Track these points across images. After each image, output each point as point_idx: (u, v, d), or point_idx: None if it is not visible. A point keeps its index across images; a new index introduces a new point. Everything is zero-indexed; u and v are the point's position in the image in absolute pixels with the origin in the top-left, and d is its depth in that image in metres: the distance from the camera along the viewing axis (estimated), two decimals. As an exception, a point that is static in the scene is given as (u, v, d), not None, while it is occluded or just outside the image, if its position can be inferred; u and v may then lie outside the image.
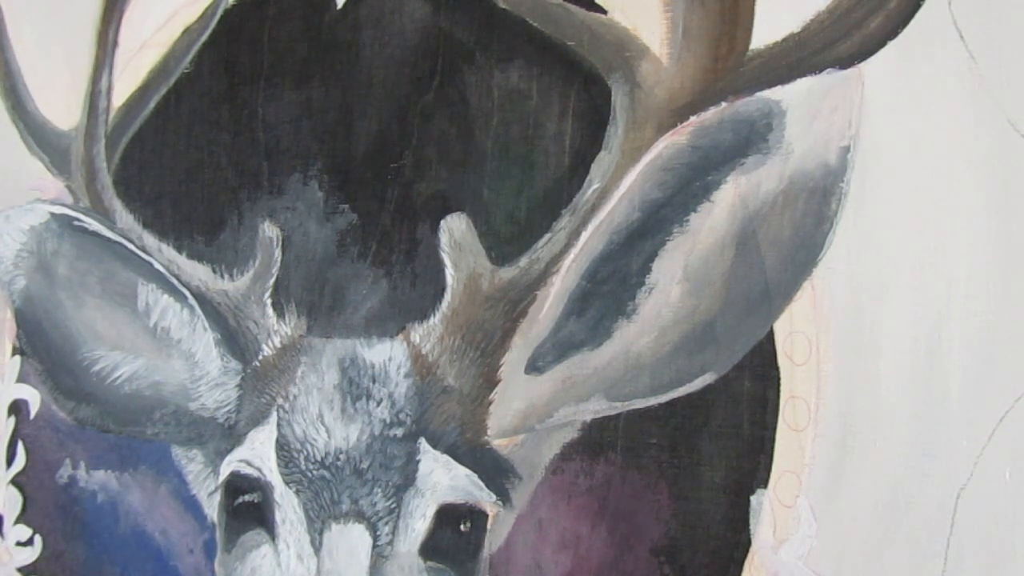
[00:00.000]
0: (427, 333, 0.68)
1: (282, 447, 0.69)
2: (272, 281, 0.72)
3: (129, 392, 0.76)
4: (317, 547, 0.68)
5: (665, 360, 0.62)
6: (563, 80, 0.64)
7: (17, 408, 0.84)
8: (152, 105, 0.75)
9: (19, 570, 0.82)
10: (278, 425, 0.69)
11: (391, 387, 0.68)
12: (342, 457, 0.68)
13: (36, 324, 0.78)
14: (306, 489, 0.68)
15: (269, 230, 0.72)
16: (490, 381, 0.66)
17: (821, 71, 0.58)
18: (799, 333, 0.60)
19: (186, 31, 0.74)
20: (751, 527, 0.62)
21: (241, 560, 0.72)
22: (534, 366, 0.65)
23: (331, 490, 0.68)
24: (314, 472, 0.68)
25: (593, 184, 0.63)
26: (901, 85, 0.57)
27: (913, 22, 0.57)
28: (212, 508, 0.75)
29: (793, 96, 0.59)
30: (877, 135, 0.58)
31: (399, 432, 0.67)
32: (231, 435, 0.73)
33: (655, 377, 0.63)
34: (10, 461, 0.83)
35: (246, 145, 0.72)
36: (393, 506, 0.67)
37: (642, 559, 0.65)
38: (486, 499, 0.67)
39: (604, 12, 0.63)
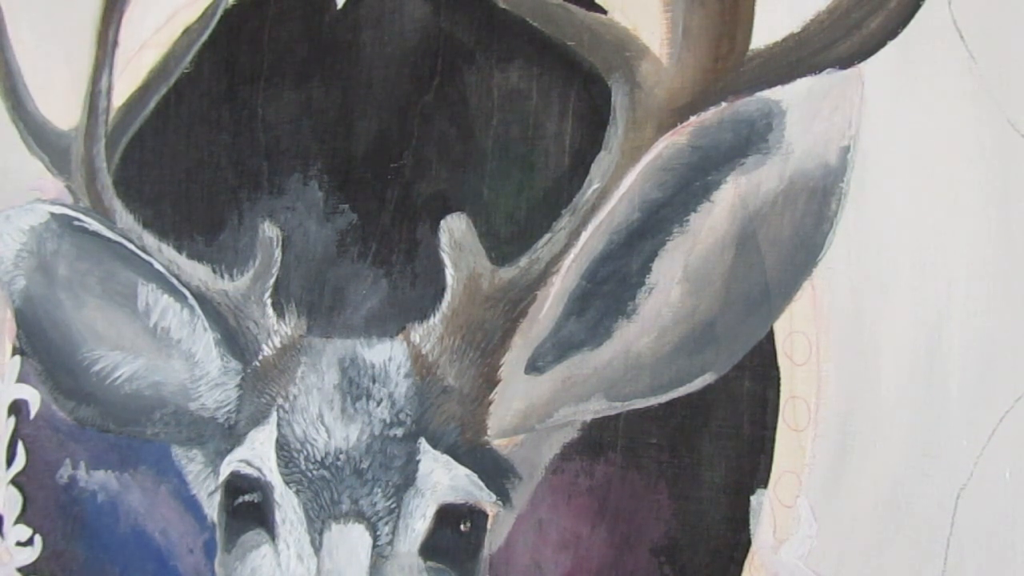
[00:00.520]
0: (427, 333, 0.68)
1: (282, 447, 0.69)
2: (272, 281, 0.72)
3: (129, 392, 0.76)
4: (317, 547, 0.68)
5: (665, 360, 0.62)
6: (563, 80, 0.64)
7: (17, 408, 0.84)
8: (152, 105, 0.75)
9: (19, 570, 0.82)
10: (278, 425, 0.69)
11: (391, 387, 0.68)
12: (342, 457, 0.68)
13: (36, 324, 0.78)
14: (306, 489, 0.68)
15: (269, 230, 0.72)
16: (490, 381, 0.66)
17: (821, 71, 0.58)
18: (799, 333, 0.60)
19: (186, 31, 0.74)
20: (751, 527, 0.62)
21: (241, 560, 0.72)
22: (534, 366, 0.65)
23: (331, 490, 0.68)
24: (314, 472, 0.68)
25: (593, 184, 0.63)
26: (901, 85, 0.57)
27: (913, 22, 0.57)
28: (212, 508, 0.75)
29: (793, 96, 0.59)
30: (877, 135, 0.58)
31: (399, 432, 0.67)
32: (231, 435, 0.73)
33: (655, 377, 0.63)
34: (10, 461, 0.84)
35: (246, 145, 0.72)
36: (393, 506, 0.67)
37: (642, 559, 0.65)
38: (486, 499, 0.67)
39: (604, 12, 0.63)
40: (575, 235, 0.64)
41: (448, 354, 0.67)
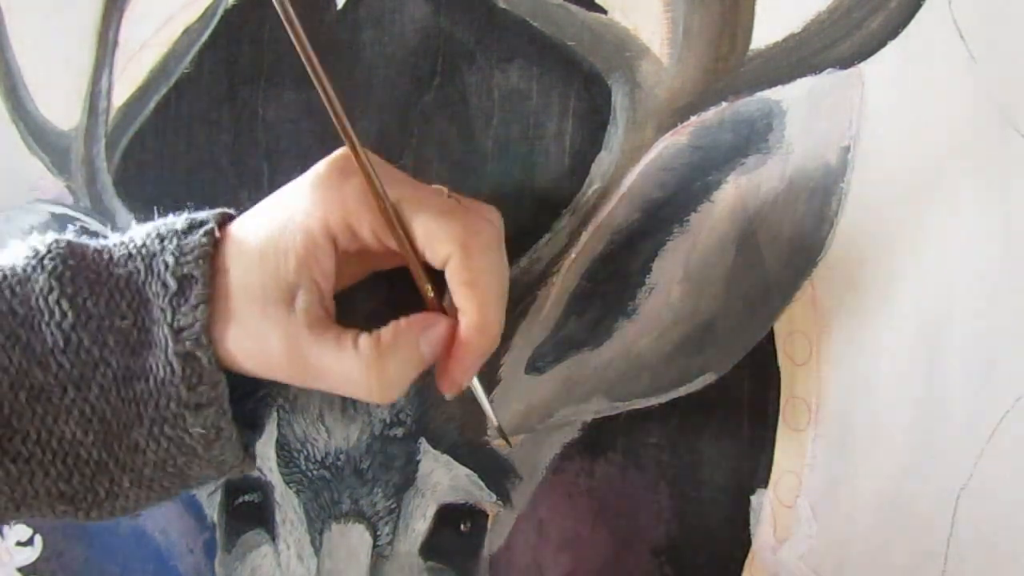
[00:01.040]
0: (427, 333, 0.68)
1: (282, 447, 0.69)
2: (272, 281, 0.72)
3: (129, 392, 0.75)
4: (317, 547, 0.68)
5: (665, 360, 0.62)
6: (563, 80, 0.64)
7: (17, 408, 0.83)
8: (152, 105, 0.75)
9: (19, 570, 0.82)
10: (278, 425, 0.69)
11: (391, 387, 0.68)
12: (342, 457, 0.68)
13: (36, 324, 0.78)
14: (306, 489, 0.68)
15: (269, 230, 0.72)
16: (490, 381, 0.66)
17: (821, 71, 0.58)
18: (799, 333, 0.60)
19: (186, 31, 0.74)
20: (751, 527, 0.62)
21: (241, 560, 0.72)
22: (534, 366, 0.65)
23: (331, 490, 0.68)
24: (314, 472, 0.68)
25: (593, 184, 0.64)
26: (901, 85, 0.57)
27: (913, 22, 0.57)
28: (212, 508, 0.75)
29: (793, 96, 0.59)
30: (877, 135, 0.58)
31: (399, 432, 0.67)
32: (231, 435, 0.72)
33: (656, 377, 0.63)
34: (10, 461, 0.83)
35: (246, 145, 0.72)
36: (393, 506, 0.67)
37: (642, 558, 0.65)
38: (486, 499, 0.67)
39: (604, 12, 0.63)
40: (575, 235, 0.64)
41: (448, 354, 0.67)
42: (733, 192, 0.60)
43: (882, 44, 0.58)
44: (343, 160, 0.55)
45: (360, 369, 0.54)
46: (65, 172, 0.78)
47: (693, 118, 0.61)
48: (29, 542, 0.82)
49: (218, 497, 0.73)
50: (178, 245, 0.56)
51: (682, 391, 0.63)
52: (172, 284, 0.55)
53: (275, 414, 0.70)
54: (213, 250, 0.56)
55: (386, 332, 0.55)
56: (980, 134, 0.56)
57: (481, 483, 0.67)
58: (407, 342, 0.55)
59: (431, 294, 0.56)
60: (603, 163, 0.63)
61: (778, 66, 0.59)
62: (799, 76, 0.59)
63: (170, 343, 0.54)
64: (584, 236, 0.64)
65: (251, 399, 0.63)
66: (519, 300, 0.65)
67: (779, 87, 0.59)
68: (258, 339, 0.55)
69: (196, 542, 0.76)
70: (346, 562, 0.67)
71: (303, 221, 0.54)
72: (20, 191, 0.80)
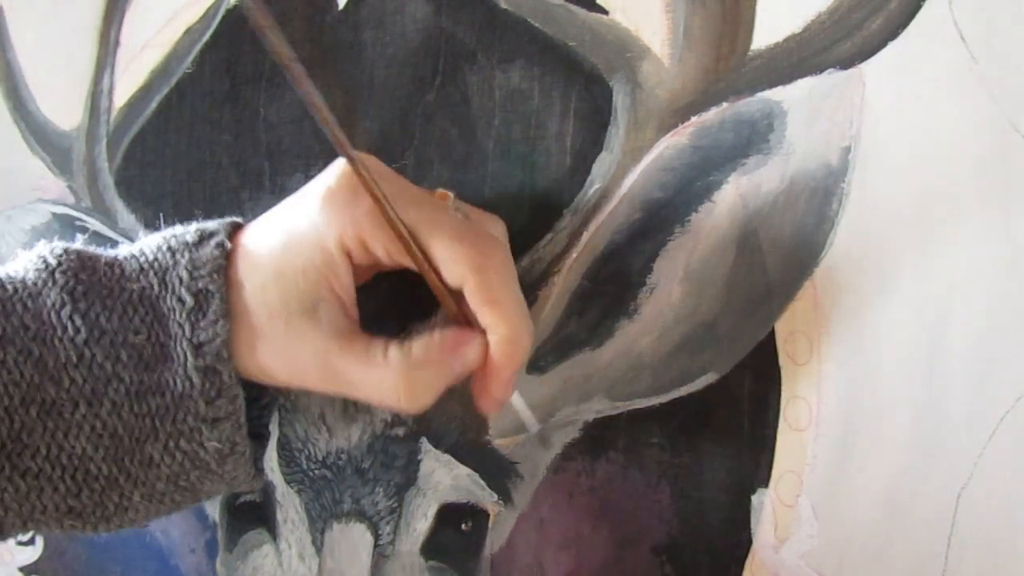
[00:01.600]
0: (428, 333, 0.68)
1: (283, 446, 0.69)
2: (273, 281, 0.72)
3: (131, 392, 0.75)
4: (319, 546, 0.68)
5: (666, 359, 0.63)
6: (565, 80, 0.64)
7: (18, 408, 0.83)
8: (154, 105, 0.75)
9: (21, 569, 0.82)
10: (279, 425, 0.69)
11: (393, 387, 0.68)
12: (344, 456, 0.68)
13: (38, 324, 0.78)
14: (308, 488, 0.68)
15: (270, 230, 0.72)
16: (491, 381, 0.66)
17: (822, 71, 0.58)
18: (800, 333, 0.60)
19: (188, 31, 0.74)
20: (752, 526, 0.62)
21: (243, 559, 0.72)
22: (535, 366, 0.65)
23: (333, 489, 0.68)
24: (316, 471, 0.68)
25: (594, 184, 0.64)
26: (901, 85, 0.57)
27: (913, 22, 0.57)
28: (214, 507, 0.75)
29: (794, 96, 0.59)
30: (877, 135, 0.58)
31: (400, 431, 0.67)
32: (233, 435, 0.72)
33: (657, 377, 0.63)
34: (11, 461, 0.83)
35: (248, 145, 0.72)
36: (394, 505, 0.67)
37: (643, 558, 0.65)
38: (488, 498, 0.67)
39: (605, 12, 0.63)
40: (576, 235, 0.64)
41: (449, 354, 0.67)
42: (734, 192, 0.60)
43: (882, 44, 0.58)
44: (353, 175, 0.55)
45: (390, 381, 0.55)
46: (66, 172, 0.78)
47: (694, 118, 0.61)
48: (30, 542, 0.82)
49: (219, 497, 0.73)
50: (191, 259, 0.56)
51: (683, 391, 0.63)
52: (188, 299, 0.55)
53: (276, 414, 0.70)
54: (226, 262, 0.56)
55: (417, 346, 0.55)
56: (980, 134, 0.56)
57: (482, 482, 0.67)
58: (439, 358, 0.55)
59: (454, 309, 0.57)
60: (604, 163, 0.63)
61: (779, 66, 0.59)
62: (800, 76, 0.59)
63: (189, 358, 0.54)
64: (585, 236, 0.64)
65: (255, 406, 0.63)
66: (520, 300, 0.65)
67: (780, 87, 0.59)
68: (289, 353, 0.55)
69: (198, 541, 0.76)
70: (347, 561, 0.67)
71: (318, 239, 0.55)
72: (21, 191, 0.80)
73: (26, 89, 0.79)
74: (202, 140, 0.73)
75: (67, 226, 0.77)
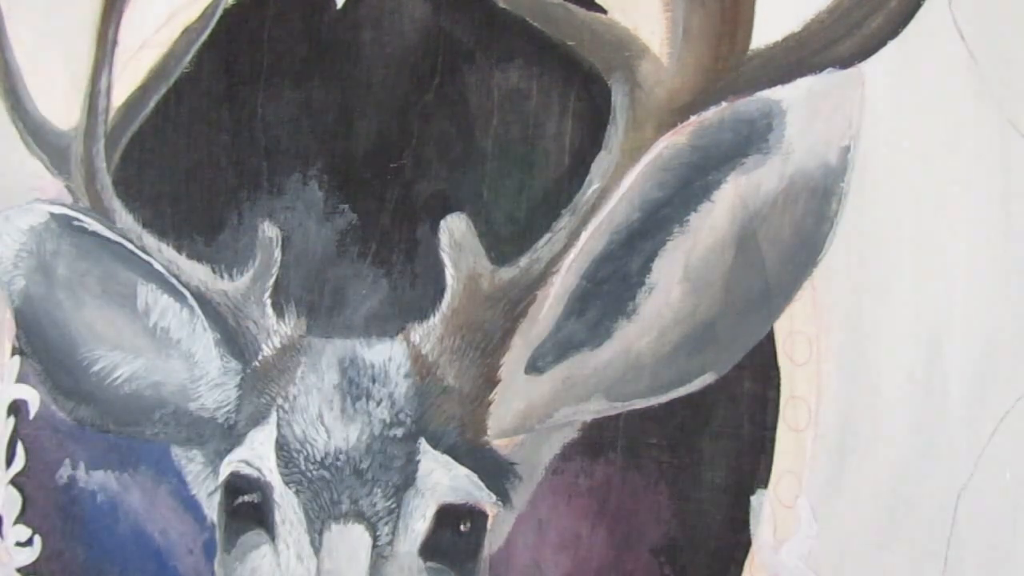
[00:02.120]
0: (427, 333, 0.68)
1: (282, 447, 0.69)
2: (272, 281, 0.72)
3: (129, 392, 0.75)
4: (317, 547, 0.68)
5: (665, 360, 0.62)
6: (563, 80, 0.64)
7: (17, 408, 0.83)
8: (152, 105, 0.75)
9: (19, 570, 0.82)
10: (278, 425, 0.69)
11: (391, 387, 0.68)
12: (342, 457, 0.68)
13: (35, 324, 0.78)
14: (306, 489, 0.68)
15: (269, 230, 0.72)
16: (490, 381, 0.66)
17: (821, 71, 0.58)
18: (799, 333, 0.60)
19: (186, 31, 0.74)
20: (751, 527, 0.62)
21: (241, 560, 0.72)
22: (534, 366, 0.65)
23: (331, 490, 0.68)
24: (314, 472, 0.68)
25: (593, 184, 0.63)
26: (901, 85, 0.57)
27: (913, 22, 0.57)
28: (212, 508, 0.74)
29: (793, 96, 0.59)
30: (877, 135, 0.58)
31: (399, 432, 0.67)
32: (231, 435, 0.72)
33: (655, 377, 0.63)
34: (10, 461, 0.83)
35: (246, 145, 0.72)
36: (393, 506, 0.67)
37: (642, 559, 0.65)
38: (486, 499, 0.67)
39: (604, 12, 0.63)
40: (575, 235, 0.64)
41: (448, 354, 0.67)
42: (733, 192, 0.60)
43: (882, 44, 0.58)
44: None
45: None
46: (64, 172, 0.78)
47: (693, 118, 0.61)
48: (29, 542, 0.82)
49: (218, 497, 0.73)
50: None
51: (682, 391, 0.63)
52: None
53: (275, 414, 0.70)
54: None
55: None
56: (980, 133, 0.56)
57: (481, 483, 0.66)
58: None
59: None
60: (603, 163, 0.63)
61: (778, 66, 0.59)
62: (799, 76, 0.59)
63: None
64: (584, 236, 0.63)
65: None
66: (519, 300, 0.65)
67: (779, 87, 0.59)
68: None
69: (196, 542, 0.76)
70: (346, 562, 0.67)
71: None
72: (20, 191, 0.80)
73: (24, 88, 0.79)
74: (200, 140, 0.73)
75: (65, 226, 0.77)
